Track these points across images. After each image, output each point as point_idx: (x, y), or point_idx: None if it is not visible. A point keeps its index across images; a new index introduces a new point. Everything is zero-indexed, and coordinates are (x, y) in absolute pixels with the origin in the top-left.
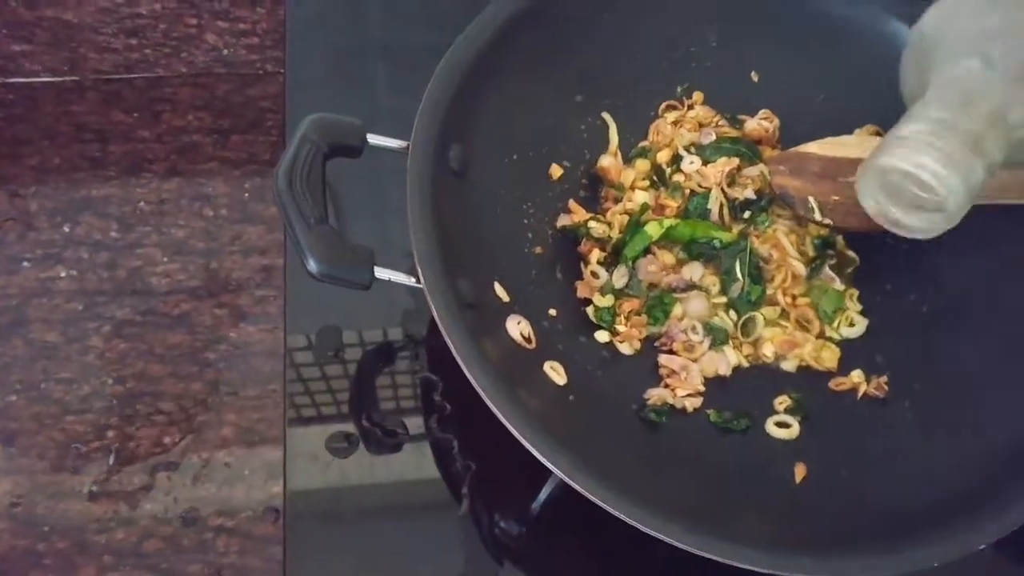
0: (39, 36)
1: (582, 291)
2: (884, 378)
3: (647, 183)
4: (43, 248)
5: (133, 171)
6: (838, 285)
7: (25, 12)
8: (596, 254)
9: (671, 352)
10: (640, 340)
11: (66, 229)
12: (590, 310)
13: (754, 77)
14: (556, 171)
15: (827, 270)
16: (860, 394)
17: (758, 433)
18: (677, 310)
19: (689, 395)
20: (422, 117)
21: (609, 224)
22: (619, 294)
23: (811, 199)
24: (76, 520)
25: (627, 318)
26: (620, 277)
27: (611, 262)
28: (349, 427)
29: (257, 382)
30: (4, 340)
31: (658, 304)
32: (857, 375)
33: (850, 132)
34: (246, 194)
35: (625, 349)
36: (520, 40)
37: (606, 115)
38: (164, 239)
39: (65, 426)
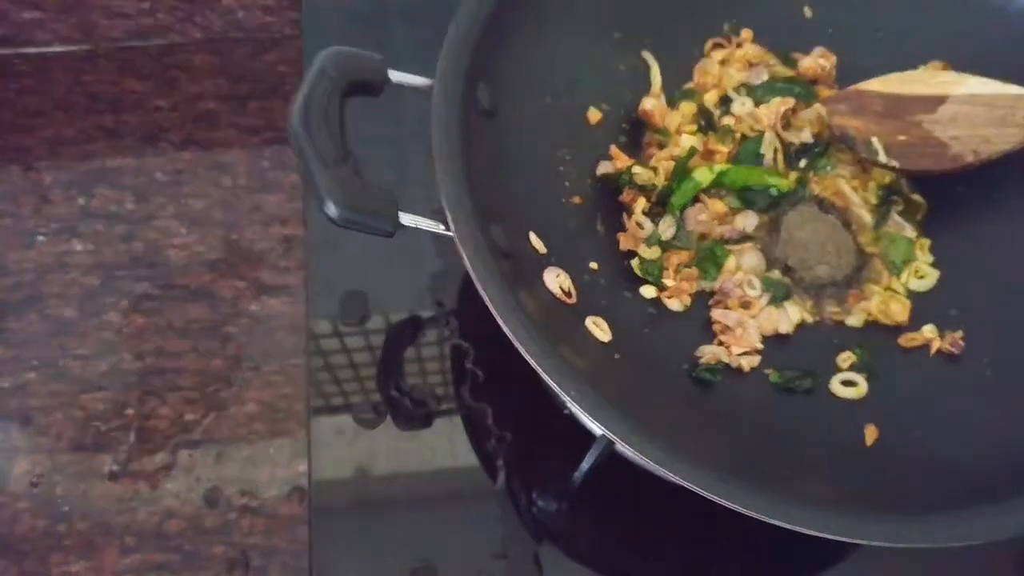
0: (49, 3)
1: (625, 243)
2: (959, 333)
3: (694, 127)
4: (58, 222)
5: (148, 141)
6: (908, 233)
7: None
8: (641, 203)
9: (725, 308)
10: (690, 295)
11: (81, 202)
12: (634, 263)
13: (807, 12)
14: (594, 115)
15: (896, 217)
16: (933, 351)
17: (822, 393)
18: (730, 263)
19: (746, 353)
20: (448, 49)
21: (654, 170)
22: (666, 246)
23: (875, 140)
24: (97, 500)
25: (676, 272)
26: (667, 228)
27: (656, 212)
28: (376, 397)
29: (280, 356)
30: (20, 316)
31: (709, 257)
32: (929, 330)
33: (913, 68)
34: (265, 162)
35: (674, 305)
36: None
37: (647, 54)
38: (181, 210)
39: (84, 404)
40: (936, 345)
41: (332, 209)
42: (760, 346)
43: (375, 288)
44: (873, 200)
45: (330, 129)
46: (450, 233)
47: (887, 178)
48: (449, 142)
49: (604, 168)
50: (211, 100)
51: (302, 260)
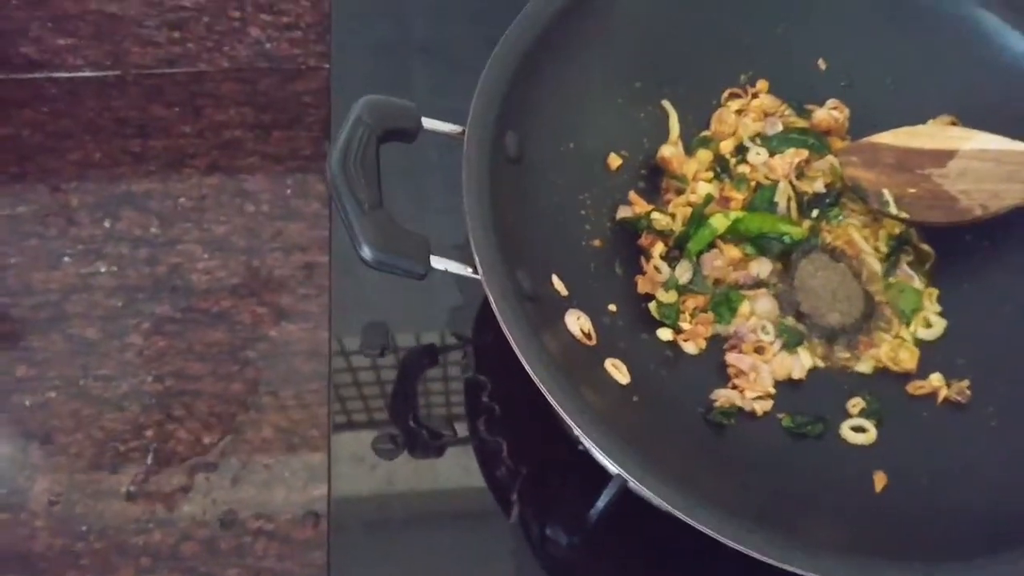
0: (83, 30)
1: (643, 286)
2: (966, 382)
3: (710, 175)
4: (83, 243)
5: (174, 166)
6: (917, 283)
7: (71, 5)
8: (659, 247)
9: (739, 352)
10: (705, 339)
11: (106, 224)
12: (652, 306)
13: (821, 65)
14: (614, 161)
15: (904, 267)
16: (940, 399)
17: (832, 438)
18: (744, 308)
19: (759, 397)
20: (479, 100)
21: (672, 216)
22: (683, 290)
23: (885, 192)
24: (114, 520)
25: (692, 315)
26: (684, 272)
27: (673, 256)
28: (394, 428)
29: (298, 382)
30: (44, 336)
31: (724, 302)
32: (937, 379)
33: (923, 122)
34: (288, 190)
35: (689, 348)
36: (578, 24)
37: (666, 103)
38: (204, 235)
39: (104, 424)
40: (943, 394)
41: (367, 252)
42: (773, 391)
43: (396, 318)
44: (883, 249)
45: (367, 175)
46: (478, 277)
47: (897, 228)
48: (479, 191)
49: (623, 212)
50: (236, 128)
51: (323, 287)
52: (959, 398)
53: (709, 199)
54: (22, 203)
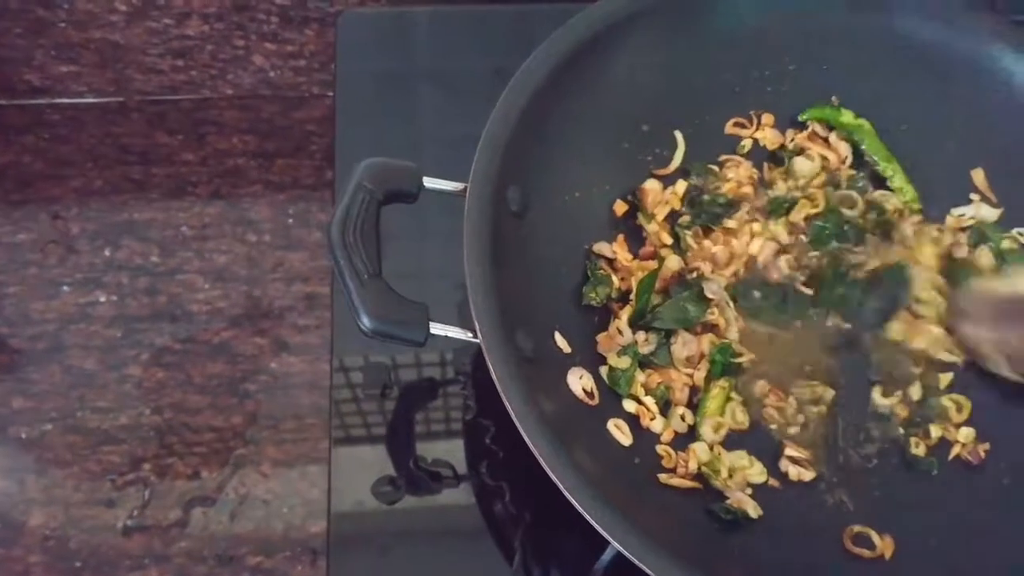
0: (86, 57)
1: (602, 345)
2: (986, 445)
3: (670, 241)
4: (83, 272)
5: (176, 194)
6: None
7: (74, 33)
8: (627, 311)
9: None
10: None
11: (107, 253)
12: (603, 370)
13: (835, 102)
14: (620, 207)
15: None
16: (951, 455)
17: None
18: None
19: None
20: (480, 158)
21: (628, 272)
22: (644, 360)
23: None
24: (109, 556)
25: (647, 393)
26: (647, 344)
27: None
28: (396, 470)
29: (298, 415)
30: (42, 367)
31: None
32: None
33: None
34: (290, 219)
35: (654, 427)
36: (582, 73)
37: (678, 133)
38: (205, 265)
39: (101, 457)
40: (956, 450)
41: (366, 322)
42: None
43: (398, 352)
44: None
45: (366, 243)
46: (477, 340)
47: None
48: (480, 253)
49: (599, 248)
50: (239, 156)
51: (324, 319)
52: (970, 458)
53: (653, 275)
54: (22, 231)
